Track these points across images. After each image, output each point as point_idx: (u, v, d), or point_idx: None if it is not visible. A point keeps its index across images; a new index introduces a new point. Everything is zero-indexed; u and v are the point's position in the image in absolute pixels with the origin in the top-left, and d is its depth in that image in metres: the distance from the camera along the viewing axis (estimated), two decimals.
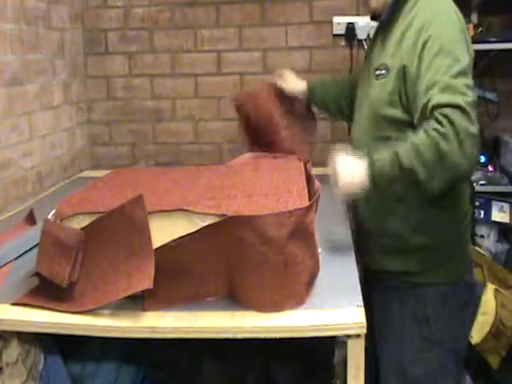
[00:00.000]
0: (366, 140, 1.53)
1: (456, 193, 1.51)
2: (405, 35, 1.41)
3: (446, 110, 1.24)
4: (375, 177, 1.29)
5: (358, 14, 2.52)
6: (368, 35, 2.48)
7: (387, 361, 1.60)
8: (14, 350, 1.20)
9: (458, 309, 1.55)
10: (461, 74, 1.30)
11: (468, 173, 1.33)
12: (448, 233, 1.51)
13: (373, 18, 1.63)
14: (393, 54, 1.44)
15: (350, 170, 1.31)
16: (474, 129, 1.24)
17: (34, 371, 1.23)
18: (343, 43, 2.57)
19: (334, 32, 2.55)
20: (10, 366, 1.20)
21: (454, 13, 1.40)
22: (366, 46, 1.79)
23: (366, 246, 1.62)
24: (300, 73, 2.58)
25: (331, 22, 2.55)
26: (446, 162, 1.24)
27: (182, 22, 2.63)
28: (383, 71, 1.46)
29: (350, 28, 2.50)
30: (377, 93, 1.48)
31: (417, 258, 1.51)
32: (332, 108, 1.93)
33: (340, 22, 2.53)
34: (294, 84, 1.96)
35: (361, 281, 1.30)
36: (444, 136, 1.23)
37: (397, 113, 1.43)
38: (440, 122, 1.24)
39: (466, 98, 1.26)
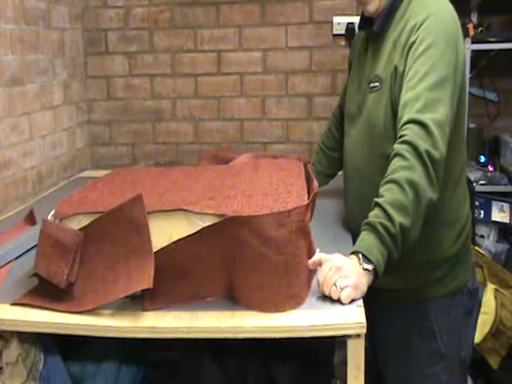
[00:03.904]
0: (361, 155, 1.49)
1: (457, 205, 1.47)
2: (397, 42, 1.38)
3: (411, 130, 1.25)
4: (384, 266, 1.20)
5: (358, 14, 2.51)
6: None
7: (394, 379, 1.58)
8: (13, 350, 1.20)
9: (462, 318, 1.51)
10: (438, 84, 1.28)
11: (435, 197, 1.27)
12: (450, 245, 1.46)
13: (361, 28, 1.56)
14: (386, 64, 1.41)
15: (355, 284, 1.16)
16: (436, 154, 1.23)
17: (34, 371, 1.22)
18: (343, 43, 2.57)
19: (334, 32, 2.56)
20: (10, 366, 1.19)
21: (446, 13, 1.37)
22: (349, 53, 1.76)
23: None
24: (300, 73, 2.62)
25: (331, 22, 2.55)
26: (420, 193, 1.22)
27: (182, 22, 2.63)
28: (377, 83, 1.42)
29: (350, 28, 2.50)
30: (371, 107, 1.44)
31: (419, 274, 1.47)
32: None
33: (340, 22, 2.53)
34: None
35: None
36: (410, 169, 1.22)
37: (393, 127, 1.37)
38: (403, 156, 1.23)
39: (436, 115, 1.25)
